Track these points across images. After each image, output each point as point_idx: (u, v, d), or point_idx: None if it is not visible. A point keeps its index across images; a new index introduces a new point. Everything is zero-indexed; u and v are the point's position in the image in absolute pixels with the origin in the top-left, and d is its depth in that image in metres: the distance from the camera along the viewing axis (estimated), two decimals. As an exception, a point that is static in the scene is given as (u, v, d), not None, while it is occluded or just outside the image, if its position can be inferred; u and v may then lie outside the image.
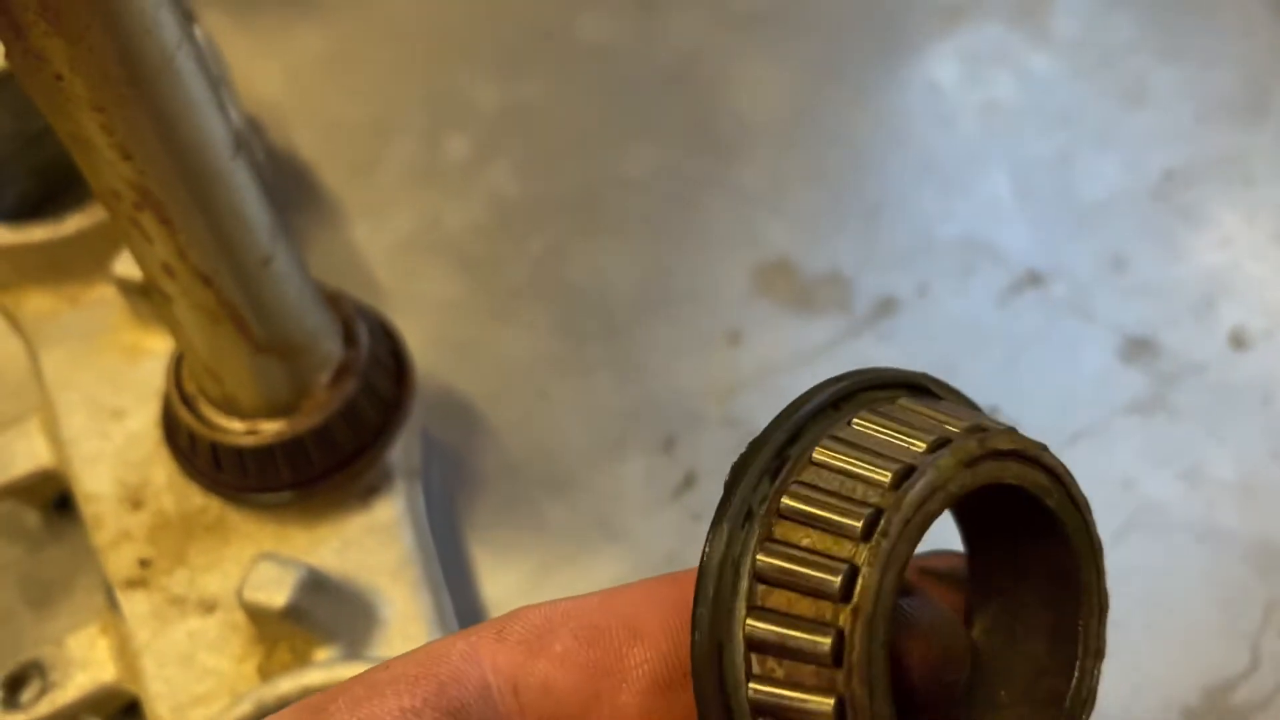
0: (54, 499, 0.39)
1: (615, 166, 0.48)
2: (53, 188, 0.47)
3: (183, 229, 0.26)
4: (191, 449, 0.34)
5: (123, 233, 0.27)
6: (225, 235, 0.27)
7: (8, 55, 0.22)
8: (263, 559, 0.31)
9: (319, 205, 0.47)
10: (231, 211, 0.27)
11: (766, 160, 0.48)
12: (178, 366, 0.34)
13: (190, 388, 0.33)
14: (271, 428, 0.33)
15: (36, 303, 0.39)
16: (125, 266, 0.37)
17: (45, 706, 0.33)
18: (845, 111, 0.50)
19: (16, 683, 0.33)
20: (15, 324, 0.40)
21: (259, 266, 0.29)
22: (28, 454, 0.37)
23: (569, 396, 0.42)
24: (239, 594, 0.31)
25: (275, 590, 0.31)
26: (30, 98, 0.24)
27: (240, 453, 0.33)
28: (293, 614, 0.31)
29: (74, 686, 0.33)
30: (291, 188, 0.47)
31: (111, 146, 0.24)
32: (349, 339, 0.34)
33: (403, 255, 0.45)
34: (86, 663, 0.34)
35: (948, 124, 0.49)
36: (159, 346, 0.38)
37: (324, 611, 0.32)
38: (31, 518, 0.39)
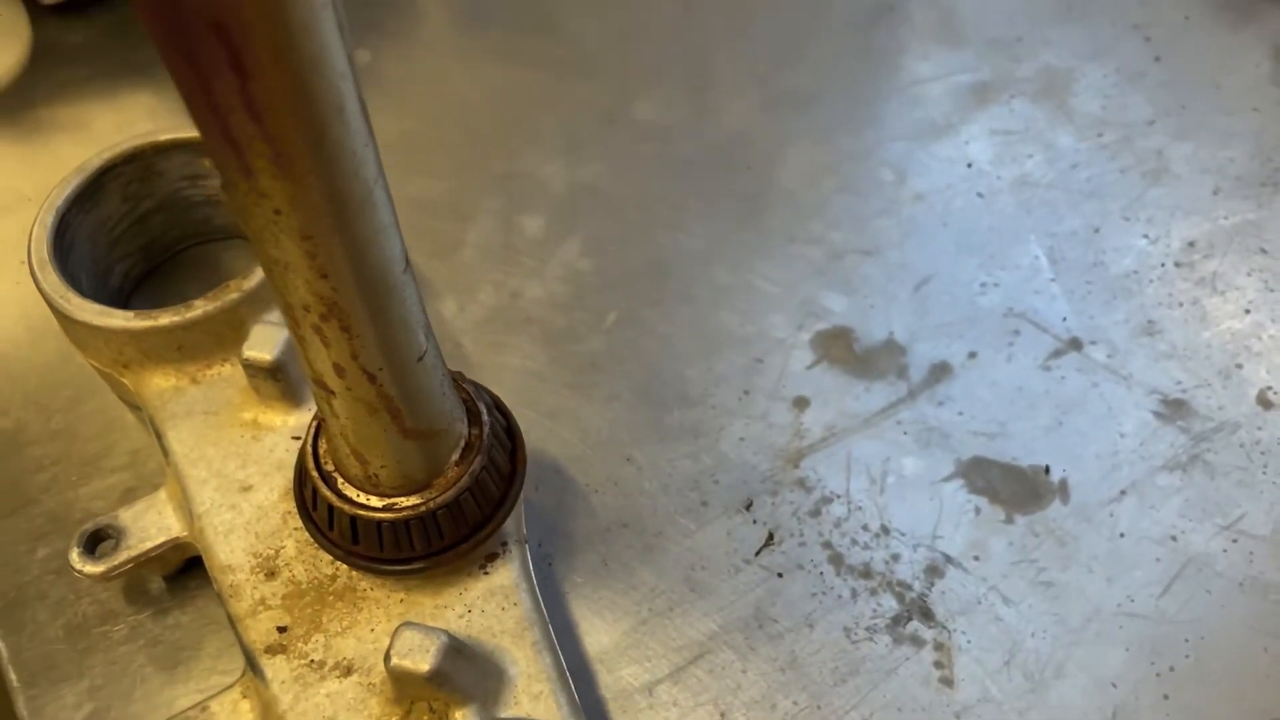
0: (178, 566, 0.41)
1: (678, 240, 0.51)
2: (154, 263, 0.50)
3: (359, 335, 0.29)
4: (329, 523, 0.36)
5: (301, 338, 0.30)
6: (392, 338, 0.30)
7: (232, 191, 0.25)
8: (405, 627, 0.34)
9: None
10: (400, 318, 0.30)
11: (817, 233, 0.52)
12: (315, 447, 0.37)
13: (328, 466, 0.36)
14: (407, 503, 0.35)
15: (159, 381, 0.42)
16: (254, 350, 0.40)
17: (197, 768, 0.35)
18: (889, 188, 0.53)
19: (167, 744, 0.36)
20: (140, 401, 0.42)
21: (414, 362, 0.32)
22: (160, 526, 0.40)
23: (652, 461, 0.45)
24: (386, 660, 0.34)
25: (421, 657, 0.33)
26: (241, 225, 0.27)
27: (379, 527, 0.35)
28: (436, 678, 0.33)
29: (222, 749, 0.36)
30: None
31: (312, 268, 0.27)
32: (472, 418, 0.37)
33: (487, 329, 0.48)
34: (232, 725, 0.36)
35: (985, 199, 0.53)
36: (277, 422, 0.41)
37: (462, 674, 0.34)
38: (155, 584, 0.42)
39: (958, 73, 0.58)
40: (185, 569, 0.42)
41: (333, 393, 0.32)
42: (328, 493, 0.36)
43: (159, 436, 0.41)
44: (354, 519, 0.36)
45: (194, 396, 0.42)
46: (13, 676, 0.40)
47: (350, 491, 0.36)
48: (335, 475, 0.36)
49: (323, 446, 0.37)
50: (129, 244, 0.48)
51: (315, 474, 0.36)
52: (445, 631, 0.34)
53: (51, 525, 0.43)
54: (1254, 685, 0.39)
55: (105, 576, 0.39)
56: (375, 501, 0.36)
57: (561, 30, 0.60)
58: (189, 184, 0.48)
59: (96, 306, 0.41)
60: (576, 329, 0.49)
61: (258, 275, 0.42)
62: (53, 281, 0.42)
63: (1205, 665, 0.40)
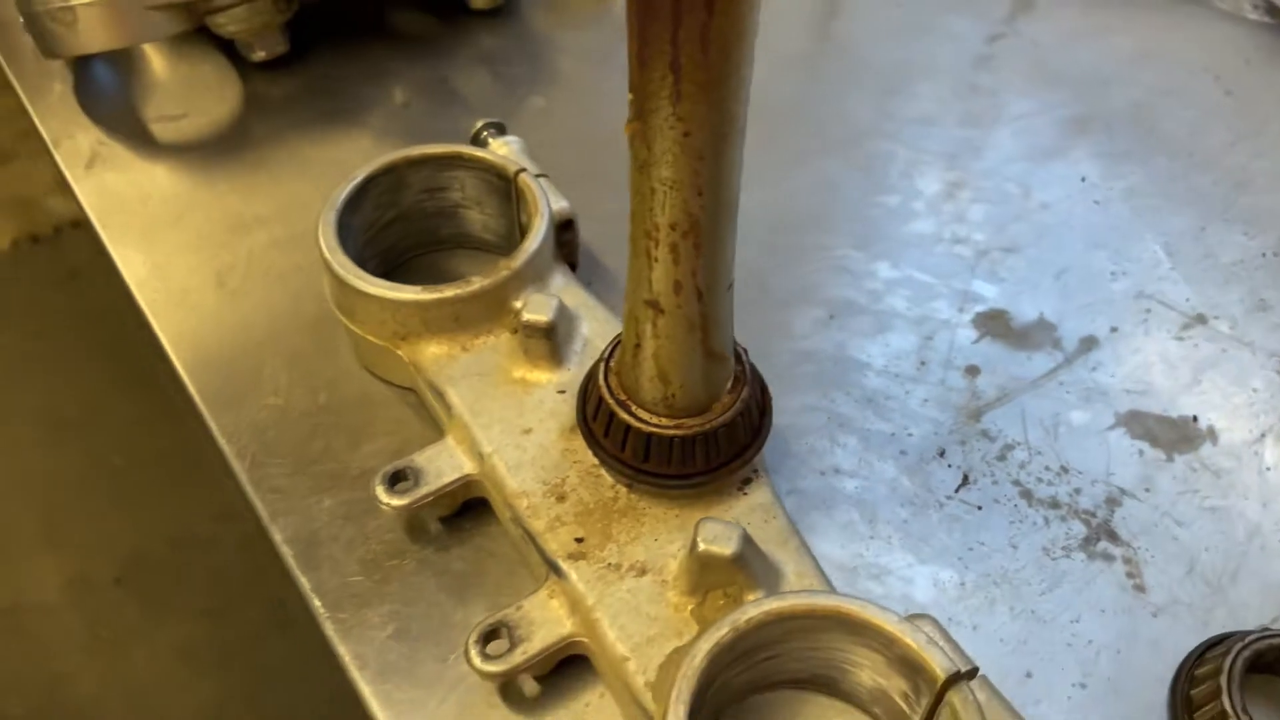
0: (455, 509, 0.47)
1: (840, 243, 0.59)
2: (388, 268, 0.56)
3: (705, 254, 0.36)
4: (621, 446, 0.42)
5: (654, 259, 0.36)
6: (723, 261, 0.37)
7: (648, 120, 0.32)
8: (706, 521, 0.40)
9: (604, 279, 0.57)
10: (731, 243, 0.37)
11: (962, 235, 0.59)
12: (607, 383, 0.43)
13: (621, 396, 0.42)
14: (694, 423, 0.42)
15: (434, 350, 0.48)
16: (533, 314, 0.46)
17: (519, 656, 0.40)
18: (1017, 199, 0.61)
19: (488, 638, 0.41)
20: (416, 368, 0.48)
21: (726, 289, 0.38)
22: (453, 466, 0.46)
23: (850, 420, 0.51)
24: (692, 548, 0.39)
25: (725, 543, 0.39)
26: (639, 153, 0.34)
27: (669, 444, 0.42)
28: (738, 560, 0.39)
29: (538, 639, 0.41)
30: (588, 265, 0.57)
31: (694, 186, 0.34)
32: (736, 357, 0.43)
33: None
34: (545, 621, 0.41)
35: (1102, 206, 0.61)
36: (544, 379, 0.47)
37: (754, 560, 0.40)
38: (434, 525, 0.47)
39: (1057, 107, 0.67)
40: (459, 513, 0.47)
41: (663, 311, 0.38)
42: (626, 416, 0.42)
43: (439, 395, 0.47)
44: (649, 437, 0.42)
45: (466, 361, 0.48)
46: (317, 604, 0.45)
47: (644, 415, 0.42)
48: (629, 403, 0.42)
49: (614, 382, 0.43)
50: (374, 248, 0.54)
51: (612, 402, 0.42)
52: (740, 525, 0.40)
53: (332, 481, 0.48)
54: None
55: (408, 509, 0.45)
56: (667, 423, 0.42)
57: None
58: (427, 196, 0.55)
59: (389, 283, 0.48)
60: (788, 320, 0.55)
61: (524, 255, 0.49)
62: (344, 262, 0.49)
63: (1361, 568, 0.46)
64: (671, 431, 0.41)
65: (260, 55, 0.66)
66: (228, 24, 0.64)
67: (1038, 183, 0.62)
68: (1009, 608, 0.45)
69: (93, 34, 0.61)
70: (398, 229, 0.55)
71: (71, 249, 2.20)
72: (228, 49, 0.68)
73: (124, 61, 0.69)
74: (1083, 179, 0.62)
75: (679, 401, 0.41)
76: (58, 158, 0.62)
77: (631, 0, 0.30)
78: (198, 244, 0.58)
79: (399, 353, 0.49)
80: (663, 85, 0.31)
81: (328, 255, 0.49)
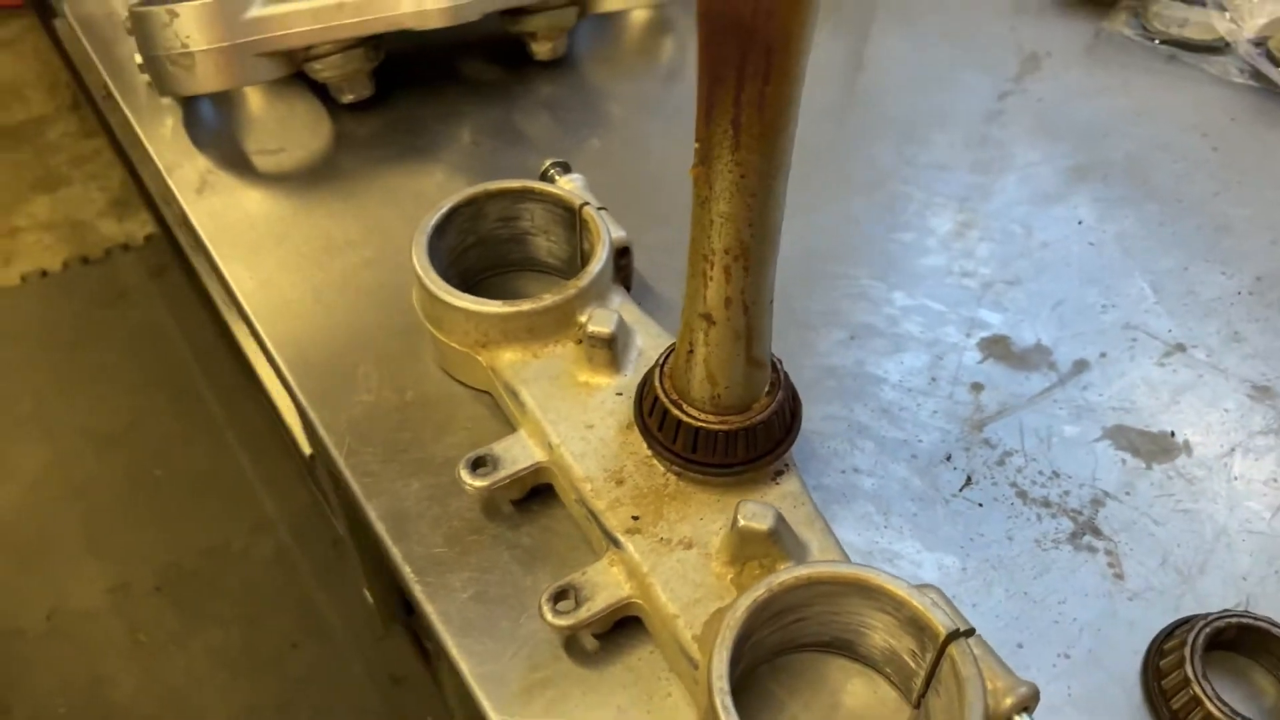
0: (525, 493, 0.54)
1: (861, 273, 0.66)
2: (467, 285, 0.64)
3: (752, 274, 0.43)
4: (674, 438, 0.50)
5: (709, 279, 0.44)
6: (767, 280, 0.45)
7: (710, 165, 0.40)
8: (745, 502, 0.47)
9: (652, 299, 0.64)
10: (773, 264, 0.44)
11: (970, 269, 0.67)
12: (660, 381, 0.50)
13: (674, 396, 0.50)
14: (737, 420, 0.49)
15: (510, 356, 0.56)
16: (597, 326, 0.54)
17: (585, 613, 0.48)
18: (1020, 239, 0.69)
19: (558, 598, 0.48)
20: (493, 371, 0.56)
21: (768, 302, 0.46)
22: (526, 455, 0.53)
23: (867, 427, 0.58)
24: (733, 525, 0.46)
25: (762, 520, 0.46)
26: (700, 191, 0.41)
27: (715, 438, 0.49)
28: (773, 535, 0.46)
29: (601, 600, 0.48)
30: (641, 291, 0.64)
31: (745, 219, 0.41)
32: (773, 365, 0.51)
33: (729, 333, 0.62)
34: (606, 584, 0.49)
35: (1096, 247, 0.68)
36: (604, 383, 0.55)
37: (786, 536, 0.47)
38: (507, 506, 0.54)
39: (1059, 158, 0.75)
40: (528, 497, 0.54)
41: (714, 323, 0.46)
42: (678, 413, 0.49)
43: (513, 395, 0.55)
44: (698, 431, 0.49)
45: (537, 367, 0.56)
46: (407, 570, 0.52)
47: (694, 412, 0.49)
48: (680, 402, 0.50)
49: (667, 384, 0.50)
50: (455, 268, 0.62)
51: (666, 401, 0.50)
52: (774, 506, 0.47)
53: (418, 467, 0.56)
54: (1352, 572, 0.52)
55: (486, 490, 0.52)
56: (713, 420, 0.49)
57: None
58: (501, 225, 0.62)
59: (476, 298, 0.56)
60: (814, 339, 0.63)
61: (589, 276, 0.56)
62: (435, 280, 0.56)
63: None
64: (717, 427, 0.49)
65: (349, 98, 0.75)
66: (323, 70, 0.72)
67: (1039, 224, 0.70)
68: (1004, 589, 0.52)
69: (207, 77, 0.69)
70: (475, 252, 0.63)
71: (120, 271, 2.30)
72: (319, 91, 0.76)
73: (226, 100, 0.77)
74: (1079, 222, 0.70)
75: (724, 401, 0.49)
76: (171, 183, 0.70)
77: (702, 68, 0.38)
78: (297, 262, 0.66)
79: (479, 358, 0.57)
80: (725, 137, 0.39)
81: (421, 273, 0.57)
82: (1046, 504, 0.55)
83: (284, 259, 0.66)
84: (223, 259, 0.66)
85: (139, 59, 0.73)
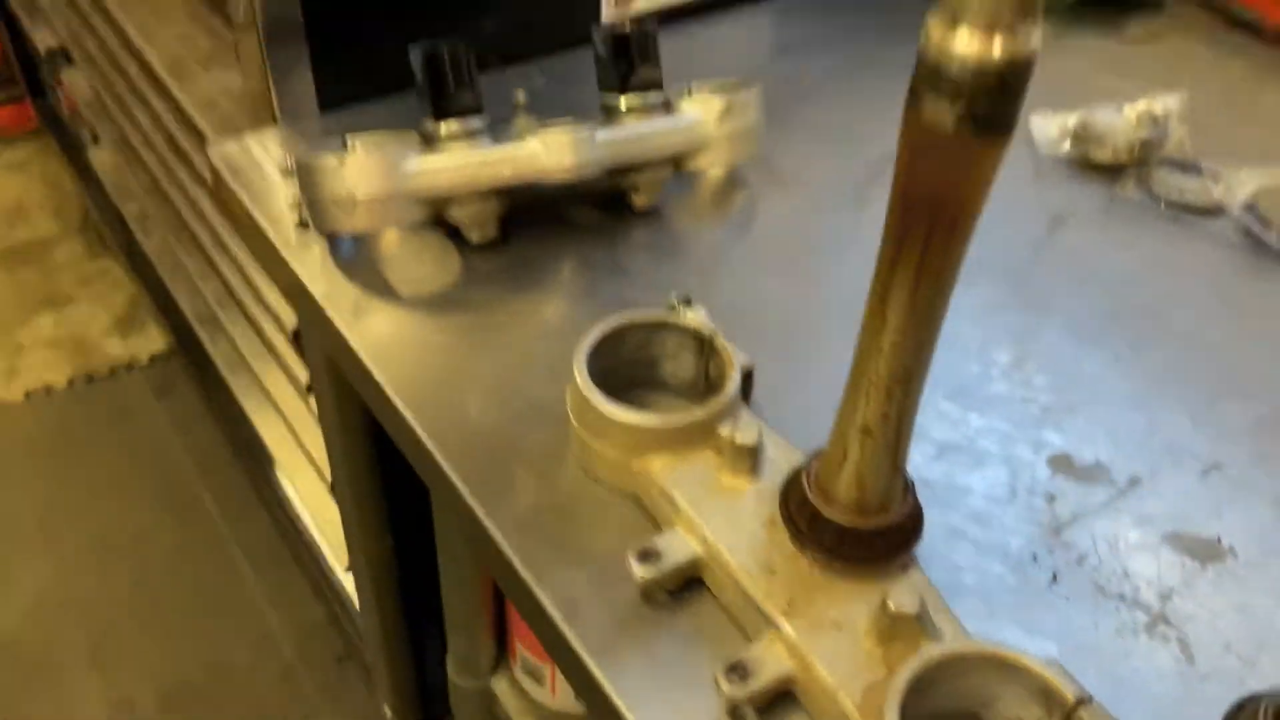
0: (679, 585, 0.62)
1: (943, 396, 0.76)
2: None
3: (911, 394, 0.53)
4: (820, 534, 0.58)
5: (865, 397, 0.53)
6: (917, 400, 0.54)
7: (890, 302, 0.50)
8: (894, 590, 0.55)
9: (766, 415, 0.73)
10: (922, 385, 0.54)
11: (1041, 399, 0.77)
12: (807, 484, 0.59)
13: (820, 500, 0.58)
14: (876, 520, 0.58)
15: (660, 462, 0.65)
16: (744, 438, 0.63)
17: (755, 684, 0.55)
18: (1070, 372, 0.80)
19: (732, 670, 0.55)
20: (645, 476, 0.64)
21: (913, 417, 0.55)
22: (685, 549, 0.61)
23: (969, 533, 0.67)
24: (885, 606, 0.55)
25: (911, 604, 0.54)
26: (877, 321, 0.51)
27: (858, 535, 0.58)
28: (920, 617, 0.54)
29: (766, 674, 0.56)
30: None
31: (913, 347, 0.51)
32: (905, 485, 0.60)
33: (834, 448, 0.72)
34: (770, 660, 0.56)
35: (1134, 380, 0.79)
36: (745, 487, 0.64)
37: (926, 620, 0.55)
38: (661, 595, 0.62)
39: (1094, 303, 0.86)
40: (681, 589, 0.62)
41: (871, 435, 0.55)
42: (829, 510, 0.58)
43: (667, 497, 0.63)
44: (843, 530, 0.58)
45: (684, 471, 0.64)
46: (582, 649, 0.59)
47: (840, 513, 0.58)
48: (827, 504, 0.58)
49: (814, 486, 0.59)
50: (600, 387, 0.71)
51: (816, 502, 0.59)
52: (918, 597, 0.55)
53: (580, 558, 0.64)
54: None
55: (654, 580, 0.60)
56: (858, 519, 0.58)
57: (820, 269, 0.88)
58: (637, 349, 0.72)
59: (640, 412, 0.64)
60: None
61: (727, 394, 0.66)
62: (599, 397, 0.65)
63: None
64: (861, 525, 0.58)
65: (478, 238, 0.84)
66: (460, 214, 0.82)
67: (1085, 358, 0.81)
68: (1095, 670, 0.60)
69: (365, 218, 0.79)
70: (616, 373, 0.72)
71: (126, 389, 2.34)
72: (450, 231, 0.86)
73: (366, 236, 0.87)
74: (1117, 358, 0.81)
75: (868, 503, 0.58)
76: (326, 309, 0.79)
77: (893, 227, 0.48)
78: (448, 379, 0.74)
79: (632, 465, 0.65)
80: (906, 280, 0.49)
81: (584, 388, 0.65)
82: (1122, 598, 0.64)
83: (435, 377, 0.75)
84: (385, 377, 0.74)
85: (292, 199, 0.83)
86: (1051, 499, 0.70)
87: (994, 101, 0.42)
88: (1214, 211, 0.95)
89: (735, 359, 0.68)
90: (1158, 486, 0.71)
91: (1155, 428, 0.76)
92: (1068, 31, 1.21)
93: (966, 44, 0.40)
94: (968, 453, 0.73)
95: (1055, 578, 0.65)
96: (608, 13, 1.11)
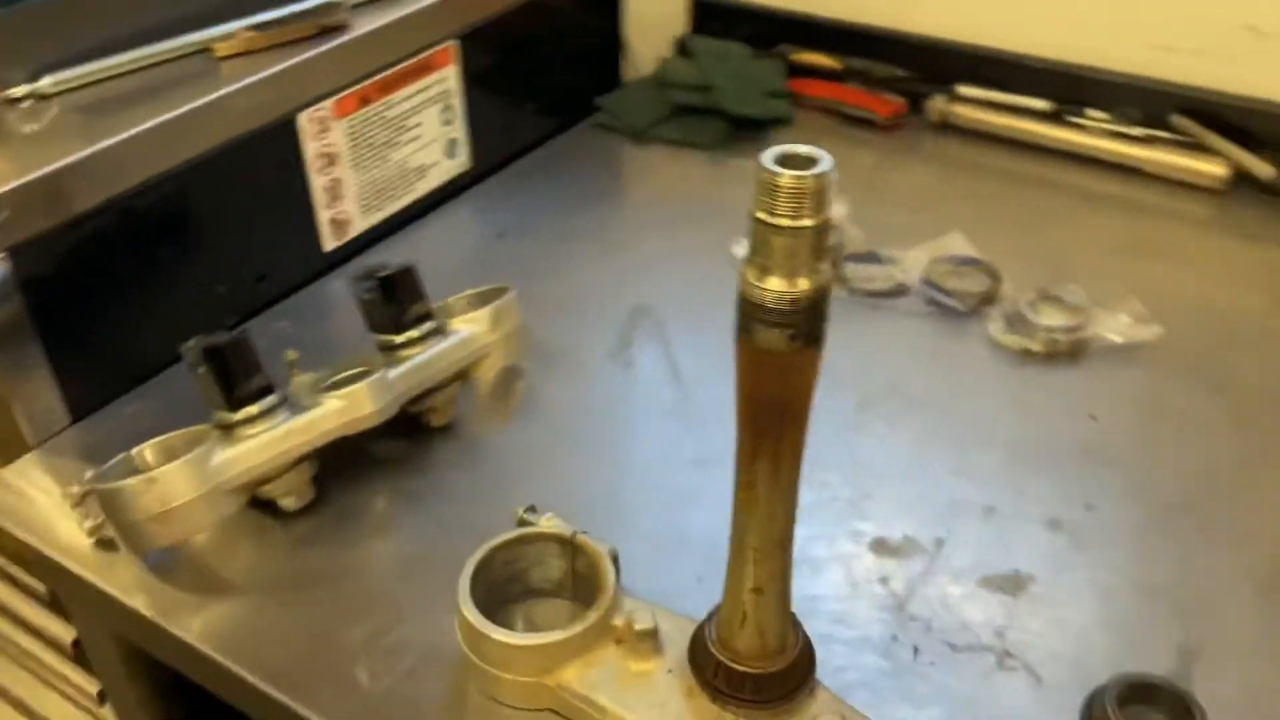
0: (626, 777, 0.66)
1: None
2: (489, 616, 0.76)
3: (788, 552, 0.62)
4: (737, 688, 0.65)
5: (752, 564, 0.61)
6: (792, 547, 0.63)
7: (757, 485, 0.58)
8: (821, 714, 0.63)
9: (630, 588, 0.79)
10: (791, 547, 0.63)
11: (840, 494, 0.89)
12: (712, 647, 0.66)
13: (728, 654, 0.65)
14: (781, 659, 0.66)
15: (572, 671, 0.69)
16: (643, 624, 0.69)
17: (736, 845, 0.61)
18: (848, 461, 0.92)
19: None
20: (560, 688, 0.68)
21: (791, 565, 0.64)
22: (625, 744, 0.66)
23: (834, 635, 0.77)
24: (817, 733, 0.62)
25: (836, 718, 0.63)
26: (747, 502, 0.59)
27: (771, 678, 0.65)
28: (846, 732, 0.63)
29: (741, 832, 0.61)
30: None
31: (782, 516, 0.59)
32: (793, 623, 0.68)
33: (700, 599, 0.79)
34: (739, 818, 0.62)
35: (897, 450, 0.93)
36: (653, 668, 0.69)
37: (852, 730, 0.64)
38: (615, 795, 0.66)
39: (844, 392, 1.00)
40: (626, 780, 0.67)
41: (764, 593, 0.63)
42: (739, 668, 0.65)
43: (588, 701, 0.68)
44: (758, 677, 0.65)
45: (596, 672, 0.69)
46: None
47: (751, 664, 0.65)
48: (735, 658, 0.66)
49: (720, 649, 0.66)
50: (482, 601, 0.74)
51: (726, 661, 0.66)
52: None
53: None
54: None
55: (609, 783, 0.64)
56: (767, 664, 0.65)
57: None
58: (505, 566, 0.76)
59: (540, 634, 0.68)
60: (743, 585, 0.81)
61: (611, 590, 0.71)
62: (493, 628, 0.69)
63: (1140, 626, 0.77)
64: (772, 669, 0.65)
65: (294, 505, 0.85)
66: (274, 490, 0.83)
67: (857, 444, 0.94)
68: (974, 715, 0.71)
69: (183, 528, 0.77)
70: (490, 596, 0.75)
71: None
72: (263, 505, 0.86)
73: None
74: (881, 439, 0.95)
75: (771, 648, 0.65)
76: (157, 620, 0.77)
77: (747, 426, 0.56)
78: (320, 652, 0.75)
79: (545, 682, 0.69)
80: (766, 466, 0.58)
81: (479, 626, 0.69)
82: (971, 648, 0.76)
83: (301, 654, 0.75)
84: (250, 670, 0.73)
85: (89, 527, 0.80)
86: (885, 581, 0.81)
87: (812, 321, 0.52)
88: (900, 291, 1.13)
89: (604, 550, 0.74)
90: (957, 541, 0.85)
91: (934, 490, 0.90)
92: (727, 161, 1.39)
93: (780, 286, 0.50)
94: (806, 564, 0.83)
95: (916, 651, 0.76)
96: (329, 243, 1.15)
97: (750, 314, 0.52)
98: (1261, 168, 1.26)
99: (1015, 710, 0.72)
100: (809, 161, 0.49)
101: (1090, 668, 0.74)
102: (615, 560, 0.76)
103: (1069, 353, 1.04)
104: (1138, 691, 0.71)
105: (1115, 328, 1.06)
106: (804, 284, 0.50)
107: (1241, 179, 1.28)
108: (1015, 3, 1.37)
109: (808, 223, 0.49)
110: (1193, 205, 1.28)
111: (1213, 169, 1.28)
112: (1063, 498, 0.89)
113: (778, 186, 0.48)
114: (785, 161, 0.49)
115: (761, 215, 0.49)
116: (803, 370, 0.54)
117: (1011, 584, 0.81)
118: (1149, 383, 1.02)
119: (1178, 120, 1.30)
